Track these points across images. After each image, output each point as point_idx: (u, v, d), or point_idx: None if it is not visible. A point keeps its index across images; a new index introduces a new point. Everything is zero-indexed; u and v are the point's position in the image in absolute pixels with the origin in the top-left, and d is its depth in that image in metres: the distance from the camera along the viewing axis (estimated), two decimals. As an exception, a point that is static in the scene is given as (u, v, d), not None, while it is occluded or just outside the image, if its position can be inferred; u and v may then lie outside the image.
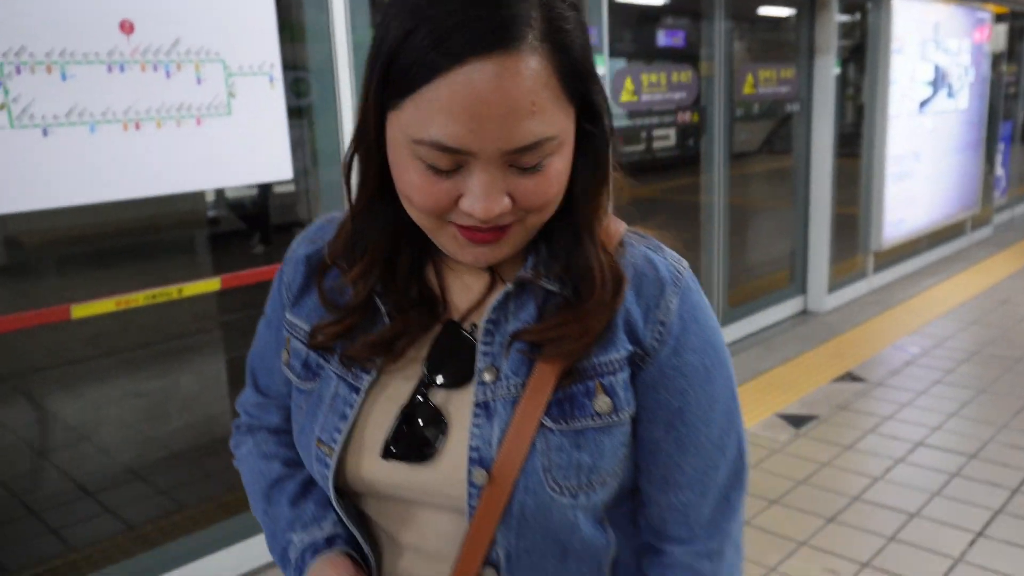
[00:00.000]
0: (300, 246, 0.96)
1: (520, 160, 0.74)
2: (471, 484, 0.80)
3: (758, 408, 4.04)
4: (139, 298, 2.45)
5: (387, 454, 0.84)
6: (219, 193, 3.66)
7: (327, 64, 2.74)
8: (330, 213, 0.97)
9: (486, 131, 0.71)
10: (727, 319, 4.99)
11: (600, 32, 3.67)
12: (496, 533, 0.81)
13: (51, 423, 3.08)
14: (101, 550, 2.64)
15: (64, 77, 2.12)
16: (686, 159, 5.16)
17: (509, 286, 0.84)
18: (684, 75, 4.48)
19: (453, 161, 0.74)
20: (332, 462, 0.86)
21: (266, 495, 0.99)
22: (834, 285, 5.68)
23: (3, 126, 2.04)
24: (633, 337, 0.83)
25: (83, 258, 3.34)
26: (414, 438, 0.83)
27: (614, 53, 3.97)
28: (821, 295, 5.60)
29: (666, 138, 6.09)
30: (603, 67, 3.75)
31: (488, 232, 0.77)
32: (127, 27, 2.21)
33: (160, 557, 2.58)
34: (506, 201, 0.75)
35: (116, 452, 3.10)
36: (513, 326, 0.84)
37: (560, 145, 0.76)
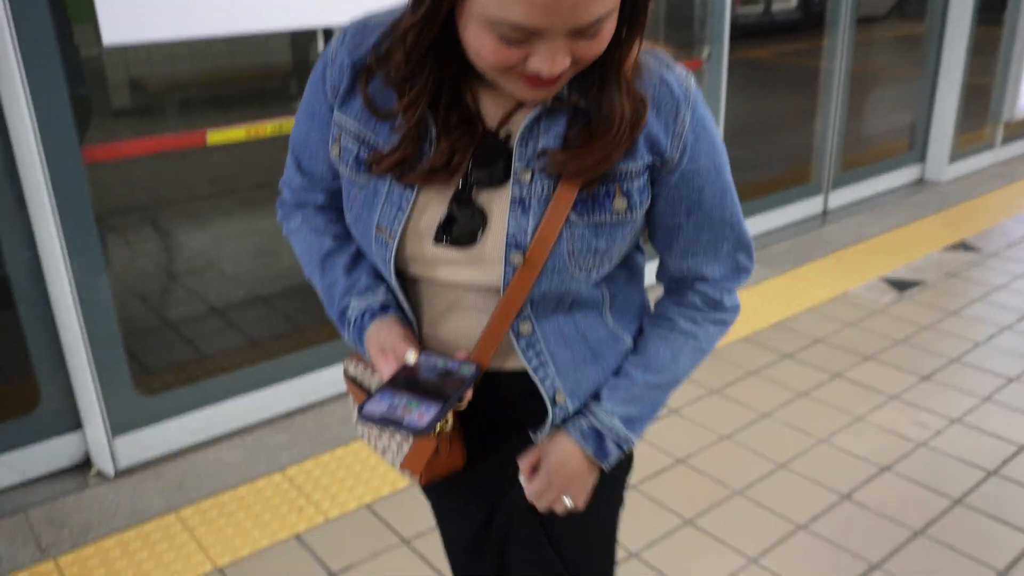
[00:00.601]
0: (343, 52, 1.02)
1: (584, 33, 0.84)
2: (508, 264, 0.97)
3: (860, 271, 3.98)
4: (267, 128, 2.57)
5: (438, 239, 0.99)
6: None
7: None
8: (365, 17, 1.03)
9: (558, 14, 0.80)
10: (838, 183, 4.83)
11: None
12: (526, 298, 0.99)
13: (180, 251, 3.30)
14: (228, 357, 2.88)
15: None
16: (809, 21, 4.87)
17: (543, 106, 0.95)
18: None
19: (526, 35, 0.83)
20: (393, 244, 1.01)
21: (321, 265, 1.14)
22: (957, 155, 5.40)
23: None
24: (655, 149, 0.97)
25: (207, 101, 3.47)
26: (460, 227, 0.98)
27: None
28: (941, 164, 5.34)
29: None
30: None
31: (550, 79, 0.87)
32: None
33: (279, 367, 2.80)
34: (568, 61, 0.86)
35: (239, 280, 3.31)
36: (544, 141, 0.96)
37: (612, 10, 0.85)
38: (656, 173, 0.99)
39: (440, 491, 1.26)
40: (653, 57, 0.98)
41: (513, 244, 0.97)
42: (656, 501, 2.37)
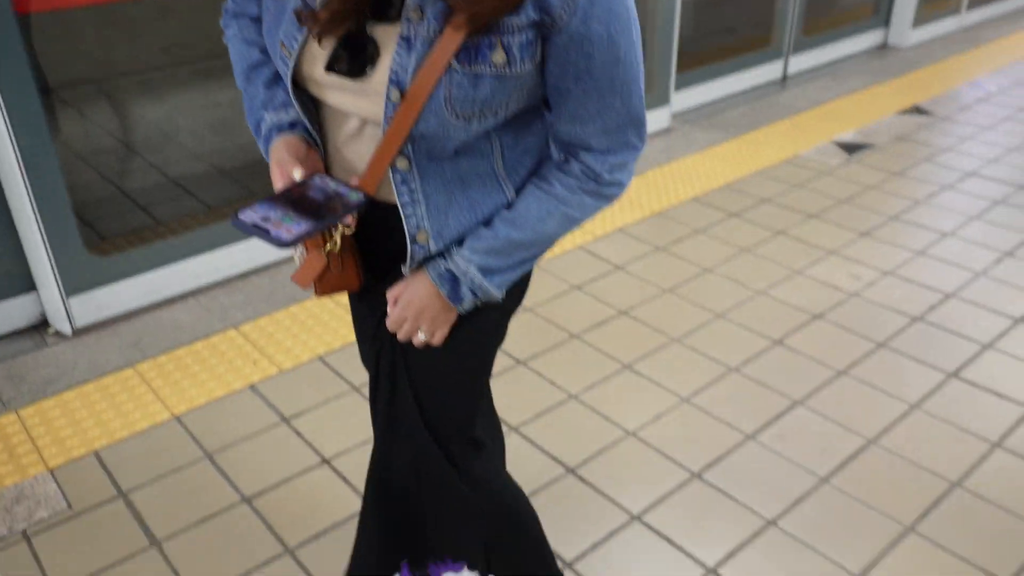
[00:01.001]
0: None
1: None
2: (388, 100, 1.00)
3: (813, 134, 4.02)
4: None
5: (329, 68, 1.03)
6: None
7: None
8: None
9: None
10: (798, 47, 4.81)
11: None
12: (405, 139, 1.02)
13: (135, 124, 3.25)
14: (182, 222, 2.90)
15: None
16: None
17: None
18: None
19: None
20: (291, 63, 1.06)
21: (246, 75, 1.19)
22: (920, 20, 5.36)
23: None
24: (544, 7, 0.95)
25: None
26: (352, 58, 1.02)
27: None
28: (904, 29, 5.30)
29: None
30: None
31: None
32: None
33: (233, 229, 2.82)
34: None
35: (194, 151, 3.28)
36: None
37: None
38: (545, 31, 0.97)
39: (352, 309, 1.38)
40: None
41: (395, 81, 0.99)
42: (597, 348, 2.49)
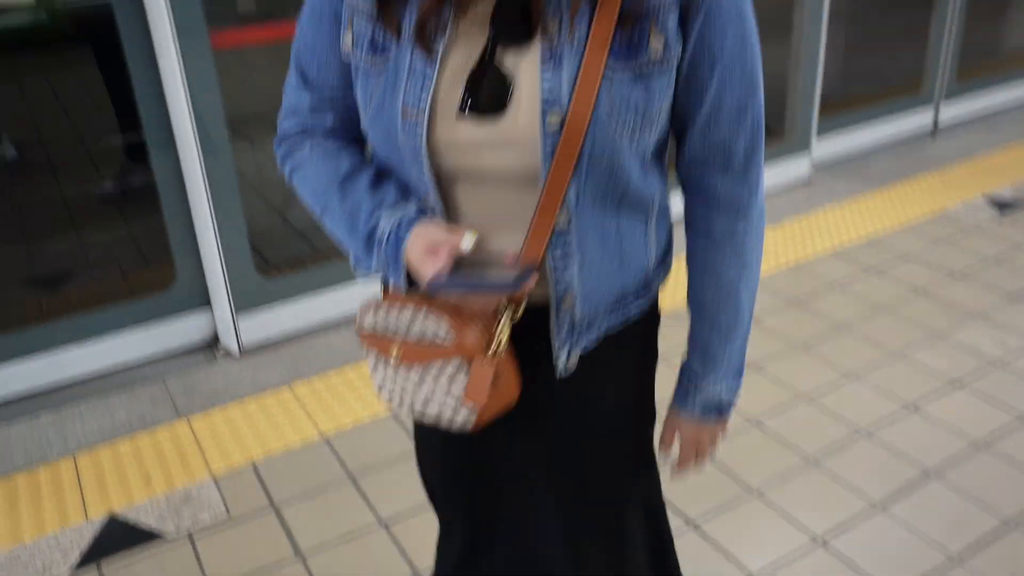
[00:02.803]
0: None
1: None
2: (546, 130, 0.89)
3: (963, 189, 3.89)
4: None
5: (463, 109, 0.91)
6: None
7: None
8: None
9: None
10: (951, 94, 4.65)
11: None
12: (570, 179, 0.91)
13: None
14: (340, 252, 3.13)
15: None
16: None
17: None
18: None
19: None
20: (423, 124, 0.92)
21: (340, 188, 1.02)
22: (1090, 68, 5.08)
23: None
24: None
25: None
26: (486, 93, 0.91)
27: None
28: (1071, 78, 5.04)
29: None
30: None
31: None
32: None
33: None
34: None
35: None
36: None
37: None
38: (685, 13, 0.91)
39: (423, 438, 1.27)
40: None
41: (550, 104, 0.89)
42: (725, 401, 2.52)
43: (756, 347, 2.77)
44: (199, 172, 2.55)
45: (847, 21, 4.45)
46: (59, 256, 3.23)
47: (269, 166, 3.44)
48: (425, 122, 0.92)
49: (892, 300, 3.03)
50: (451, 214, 1.00)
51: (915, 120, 4.59)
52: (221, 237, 2.65)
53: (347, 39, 0.98)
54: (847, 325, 2.89)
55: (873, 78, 4.90)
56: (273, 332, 2.86)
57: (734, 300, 1.08)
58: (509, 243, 0.97)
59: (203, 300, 2.82)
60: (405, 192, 1.01)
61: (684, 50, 0.93)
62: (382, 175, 1.03)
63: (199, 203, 2.62)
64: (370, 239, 1.00)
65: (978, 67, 4.82)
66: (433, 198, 0.98)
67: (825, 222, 3.63)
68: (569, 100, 0.88)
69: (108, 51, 2.55)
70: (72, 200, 3.32)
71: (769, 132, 3.96)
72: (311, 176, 1.06)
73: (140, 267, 3.08)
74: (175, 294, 2.78)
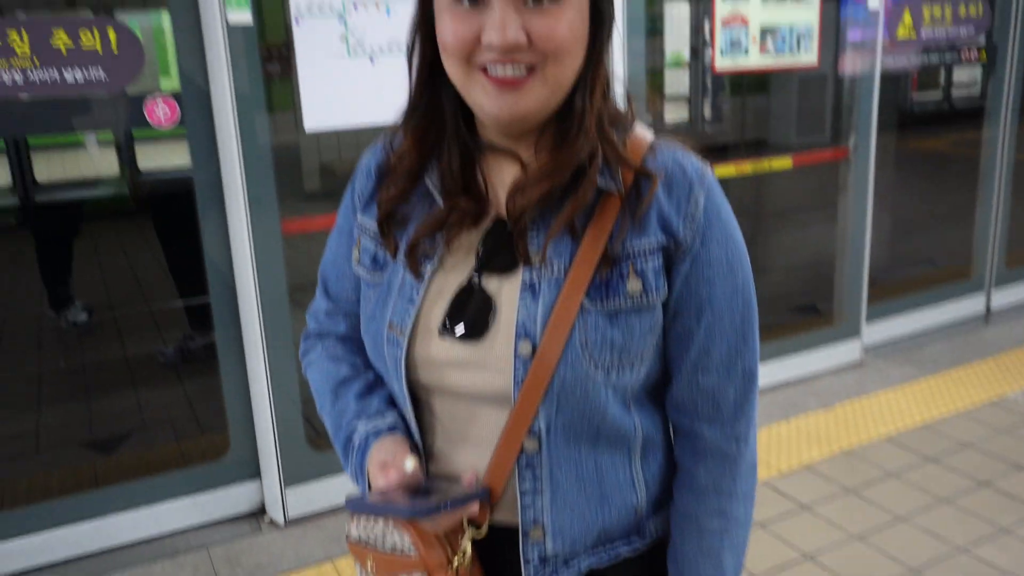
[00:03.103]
0: (369, 156, 1.08)
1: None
2: (517, 357, 0.91)
3: (1021, 376, 3.82)
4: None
5: (444, 331, 0.96)
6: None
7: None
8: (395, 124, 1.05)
9: None
10: (1001, 280, 4.67)
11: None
12: (539, 406, 0.92)
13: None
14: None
15: (388, 13, 2.54)
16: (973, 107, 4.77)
17: (553, 184, 0.93)
18: (974, 6, 4.14)
19: None
20: (404, 341, 0.97)
21: (334, 392, 1.10)
22: None
23: (342, 55, 2.51)
24: (667, 229, 0.94)
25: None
26: (467, 317, 0.95)
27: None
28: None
29: (967, 85, 5.67)
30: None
31: (511, 79, 0.87)
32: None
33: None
34: (522, 35, 0.85)
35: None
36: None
37: None
38: (670, 259, 0.94)
39: None
40: (668, 144, 0.99)
41: (523, 333, 0.92)
42: (780, 595, 2.41)
43: (809, 536, 2.67)
44: (259, 343, 2.66)
45: (893, 204, 4.56)
46: (119, 418, 3.33)
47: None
48: (406, 339, 0.97)
49: (952, 491, 2.93)
50: (424, 428, 1.02)
51: (967, 305, 4.58)
52: (276, 408, 2.72)
53: (355, 254, 1.06)
54: (905, 516, 2.78)
55: (922, 261, 4.95)
56: (319, 505, 2.86)
57: (715, 559, 1.03)
58: (477, 463, 0.98)
59: (254, 471, 2.85)
60: (391, 403, 1.06)
61: (670, 294, 0.95)
62: (375, 384, 1.09)
63: (257, 374, 2.71)
64: (347, 445, 1.05)
65: (1027, 254, 4.86)
66: (407, 410, 1.01)
67: (878, 406, 3.57)
68: (542, 331, 0.91)
69: (182, 221, 2.74)
70: (135, 362, 3.45)
71: (818, 316, 4.00)
72: (316, 376, 1.14)
73: (195, 434, 3.15)
74: (228, 463, 2.83)
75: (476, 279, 0.96)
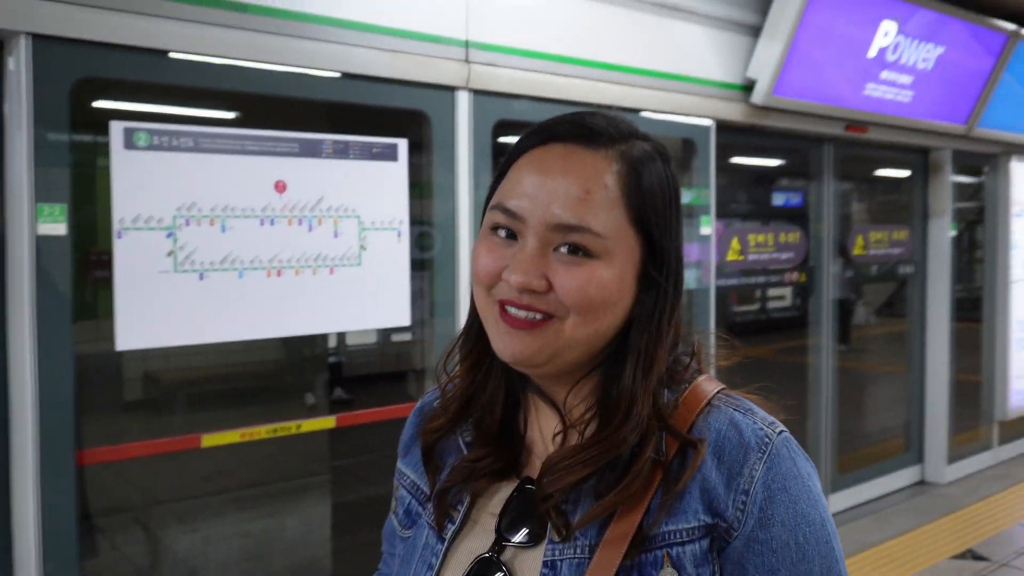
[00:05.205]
0: (421, 399, 1.04)
1: (564, 239, 0.81)
2: None
3: (868, 582, 3.84)
4: (262, 431, 2.64)
5: None
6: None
7: (450, 220, 2.96)
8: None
9: (540, 199, 0.81)
10: (835, 486, 4.80)
11: (709, 192, 3.82)
12: None
13: (165, 554, 3.24)
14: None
15: (224, 229, 2.41)
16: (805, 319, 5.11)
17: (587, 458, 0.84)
18: (792, 236, 4.55)
19: (511, 224, 0.83)
20: None
21: None
22: (954, 456, 5.40)
23: (168, 270, 2.33)
24: (712, 508, 0.80)
25: (211, 396, 3.60)
26: None
27: (724, 213, 4.12)
28: (940, 466, 5.33)
29: (781, 298, 6.13)
30: (708, 227, 3.88)
31: (523, 321, 0.81)
32: (280, 187, 2.51)
33: None
34: (541, 281, 0.80)
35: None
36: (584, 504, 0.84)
37: (608, 252, 0.81)
38: (722, 544, 0.80)
39: None
40: (731, 400, 0.87)
41: None
42: None
43: None
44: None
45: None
46: None
47: (121, 564, 3.09)
48: None
49: None
50: None
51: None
52: None
53: (393, 504, 1.01)
54: None
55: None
56: None
57: None
58: None
59: None
60: None
61: None
62: None
63: None
64: None
65: (857, 457, 5.06)
66: None
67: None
68: None
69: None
70: None
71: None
72: None
73: None
74: None
75: (498, 547, 0.87)
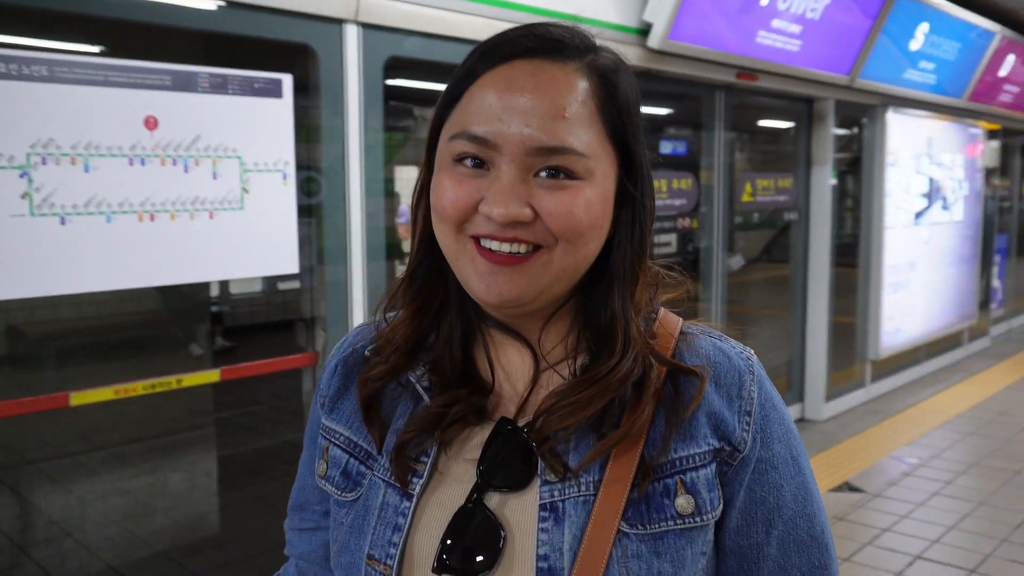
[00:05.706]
0: (334, 355, 0.93)
1: (544, 162, 0.73)
2: None
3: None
4: (138, 387, 2.47)
5: (440, 568, 0.76)
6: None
7: (339, 163, 2.83)
8: (361, 324, 0.94)
9: (513, 122, 0.73)
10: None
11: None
12: None
13: (36, 516, 3.05)
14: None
15: (87, 169, 2.20)
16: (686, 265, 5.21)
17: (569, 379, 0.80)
18: (684, 182, 4.60)
19: (480, 153, 0.74)
20: None
21: None
22: (832, 393, 5.68)
23: (23, 213, 2.11)
24: (720, 431, 0.79)
25: (82, 349, 3.38)
26: (469, 548, 0.76)
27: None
28: (818, 403, 5.60)
29: (667, 244, 6.22)
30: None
31: (507, 257, 0.74)
32: (151, 123, 2.31)
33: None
34: (527, 210, 0.73)
35: (99, 549, 3.05)
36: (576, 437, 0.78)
37: (590, 172, 0.75)
38: (725, 467, 0.79)
39: None
40: (701, 328, 0.86)
41: (546, 569, 0.73)
42: None
43: None
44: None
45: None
46: None
47: None
48: None
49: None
50: None
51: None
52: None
53: (320, 468, 0.88)
54: None
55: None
56: None
57: None
58: None
59: None
60: None
61: (728, 507, 0.79)
62: None
63: None
64: None
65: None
66: None
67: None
68: (571, 566, 0.73)
69: None
70: None
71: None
72: None
73: None
74: None
75: (477, 496, 0.77)
